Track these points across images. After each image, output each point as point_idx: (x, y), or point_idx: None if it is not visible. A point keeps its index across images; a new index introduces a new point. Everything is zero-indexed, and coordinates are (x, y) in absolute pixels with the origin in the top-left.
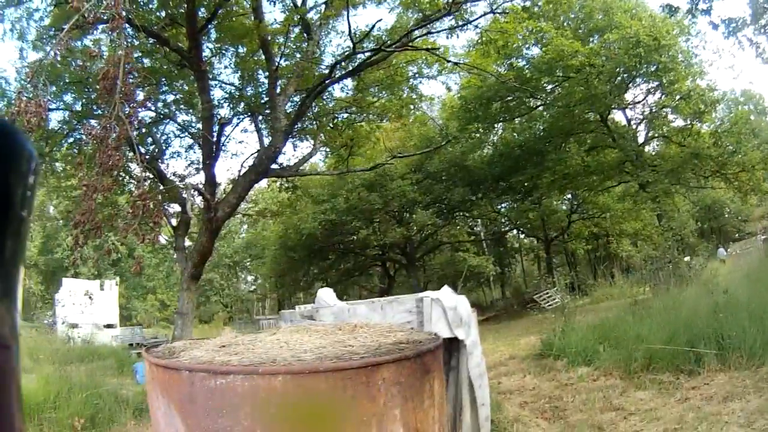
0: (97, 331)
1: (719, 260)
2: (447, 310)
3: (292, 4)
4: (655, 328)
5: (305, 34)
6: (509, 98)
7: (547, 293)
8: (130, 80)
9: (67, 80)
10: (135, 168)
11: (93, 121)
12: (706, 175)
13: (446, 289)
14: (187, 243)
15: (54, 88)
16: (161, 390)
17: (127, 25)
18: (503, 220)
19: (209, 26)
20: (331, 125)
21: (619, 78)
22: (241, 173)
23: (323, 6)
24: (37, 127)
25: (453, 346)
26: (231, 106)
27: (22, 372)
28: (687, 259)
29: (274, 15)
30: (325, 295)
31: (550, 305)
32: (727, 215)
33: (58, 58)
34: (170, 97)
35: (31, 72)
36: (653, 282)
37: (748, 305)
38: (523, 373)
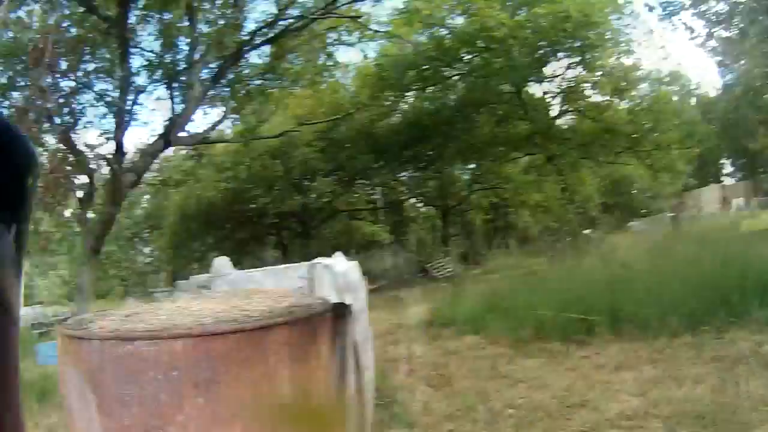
0: None
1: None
2: (337, 276)
3: None
4: (546, 298)
5: (233, 0)
6: (425, 67)
7: (441, 263)
8: (57, 50)
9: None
10: (49, 140)
11: (15, 93)
12: (618, 151)
13: (338, 256)
14: (90, 215)
15: None
16: (73, 362)
17: None
18: (403, 189)
19: None
20: (243, 92)
21: (541, 51)
22: (150, 142)
23: None
24: None
25: (341, 312)
26: (149, 73)
27: None
28: (588, 231)
29: None
30: (221, 264)
31: (442, 274)
32: (635, 191)
33: None
34: (91, 66)
35: None
36: (550, 253)
37: (646, 279)
38: (411, 341)
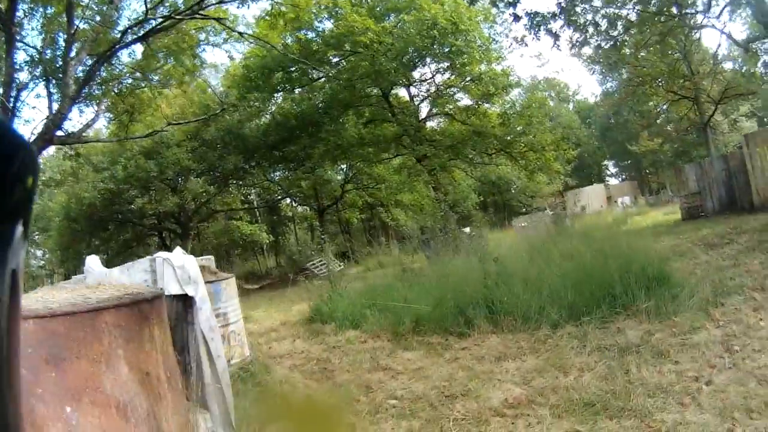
0: None
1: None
2: (176, 269)
3: None
4: (423, 293)
5: None
6: (292, 69)
7: (320, 261)
8: None
9: None
10: None
11: None
12: (489, 153)
13: (178, 250)
14: None
15: None
16: None
17: None
18: (277, 189)
19: None
20: (115, 91)
21: (407, 56)
22: (30, 140)
23: None
24: None
25: (189, 303)
26: (29, 69)
27: None
28: (467, 230)
29: None
30: (92, 262)
31: (322, 273)
32: (513, 191)
33: None
34: None
35: None
36: (426, 251)
37: (524, 273)
38: (293, 338)
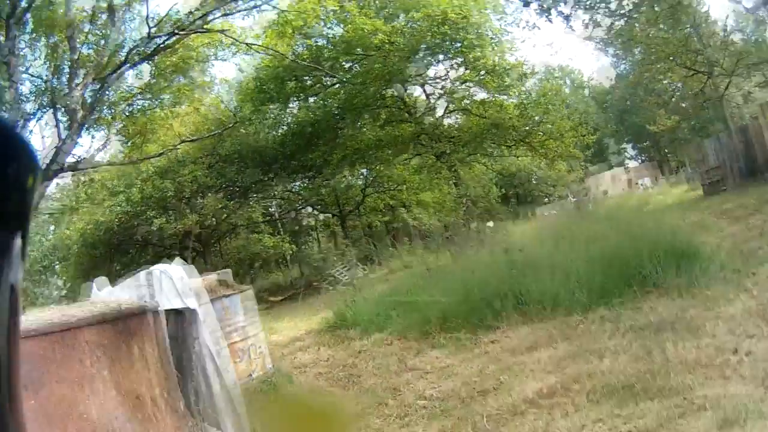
0: None
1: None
2: (176, 281)
3: None
4: (449, 290)
5: (111, 20)
6: (305, 77)
7: (345, 267)
8: None
9: None
10: None
11: None
12: (509, 144)
13: (177, 261)
14: None
15: None
16: None
17: None
18: (297, 199)
19: (27, 15)
20: (126, 113)
21: (420, 55)
22: (41, 169)
23: None
24: None
25: (191, 317)
26: (35, 99)
27: None
28: (490, 224)
29: (83, 2)
30: (100, 283)
31: (347, 278)
32: (535, 181)
33: None
34: None
35: None
36: (450, 248)
37: (550, 260)
38: (318, 346)
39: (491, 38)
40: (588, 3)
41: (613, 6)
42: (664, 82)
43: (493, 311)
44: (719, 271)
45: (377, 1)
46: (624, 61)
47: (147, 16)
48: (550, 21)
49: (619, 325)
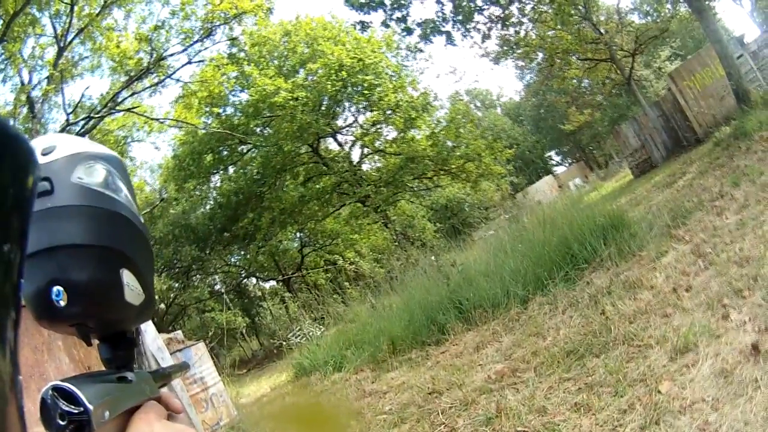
0: None
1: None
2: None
3: (20, 82)
4: (394, 319)
5: (31, 113)
6: (221, 148)
7: (299, 328)
8: None
9: None
10: None
11: None
12: (429, 176)
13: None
14: None
15: None
16: None
17: None
18: (238, 271)
19: None
20: None
21: (324, 105)
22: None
23: (45, 81)
24: None
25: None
26: None
27: None
28: (430, 257)
29: (4, 97)
30: None
31: (305, 337)
32: (467, 209)
33: None
34: None
35: None
36: (390, 283)
37: (486, 270)
38: (283, 396)
39: (390, 76)
40: (460, 17)
41: (486, 13)
42: (569, 79)
43: (439, 326)
44: (649, 232)
45: (276, 61)
46: (528, 70)
47: (63, 104)
48: (431, 42)
49: (557, 305)
